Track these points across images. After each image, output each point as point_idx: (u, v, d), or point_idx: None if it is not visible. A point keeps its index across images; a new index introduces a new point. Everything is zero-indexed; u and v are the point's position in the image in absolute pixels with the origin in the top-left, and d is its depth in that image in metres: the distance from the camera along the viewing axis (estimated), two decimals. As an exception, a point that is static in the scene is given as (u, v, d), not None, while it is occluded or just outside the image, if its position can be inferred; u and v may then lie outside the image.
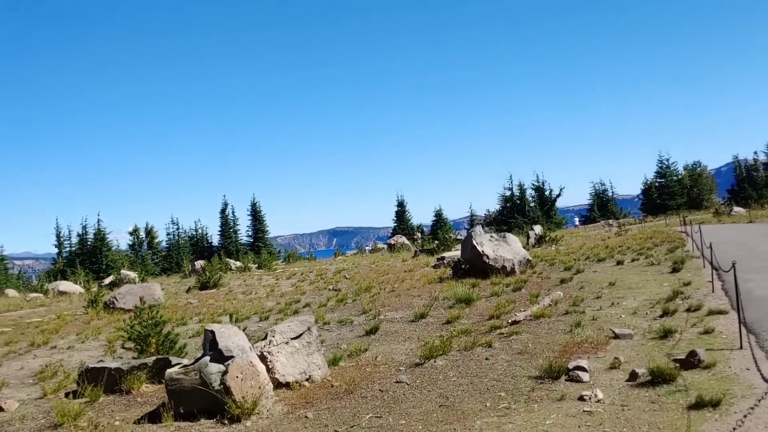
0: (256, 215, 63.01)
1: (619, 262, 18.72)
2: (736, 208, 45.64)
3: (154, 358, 9.30)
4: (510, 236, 19.38)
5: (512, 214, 63.96)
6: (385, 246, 46.08)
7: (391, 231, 64.12)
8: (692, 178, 64.82)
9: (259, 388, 7.03)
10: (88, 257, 57.18)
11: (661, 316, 10.00)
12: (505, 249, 18.48)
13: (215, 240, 63.45)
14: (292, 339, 8.22)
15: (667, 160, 66.15)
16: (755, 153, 65.71)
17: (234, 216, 62.77)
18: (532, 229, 30.58)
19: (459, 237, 49.86)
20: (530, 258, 19.00)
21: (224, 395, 6.82)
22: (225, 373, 6.95)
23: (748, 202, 53.29)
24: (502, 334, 9.70)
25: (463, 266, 18.67)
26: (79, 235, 58.77)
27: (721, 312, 9.74)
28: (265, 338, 8.26)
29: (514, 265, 18.10)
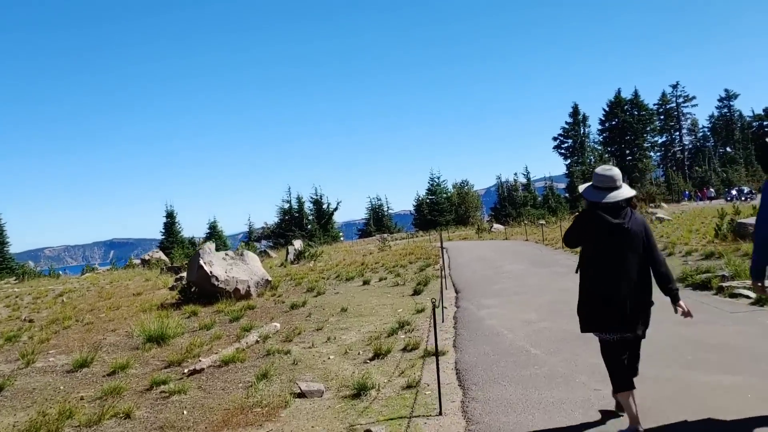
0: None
1: (366, 282, 17.28)
2: (496, 225, 47.89)
3: None
4: (249, 254, 17.05)
5: (290, 227, 62.17)
6: (139, 261, 41.63)
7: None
8: (460, 196, 67.96)
9: None
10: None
11: (372, 359, 8.21)
12: (241, 269, 16.10)
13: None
14: None
15: (438, 177, 68.81)
16: (515, 174, 70.94)
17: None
18: (291, 244, 28.64)
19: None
20: (269, 278, 16.81)
21: None
22: None
23: (507, 220, 56.57)
24: (165, 392, 7.23)
25: (192, 289, 15.97)
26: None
27: (442, 352, 8.18)
28: None
29: (249, 287, 15.79)
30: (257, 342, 9.88)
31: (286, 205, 63.24)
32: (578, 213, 4.91)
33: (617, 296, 4.34)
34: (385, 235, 62.55)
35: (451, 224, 62.58)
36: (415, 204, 71.08)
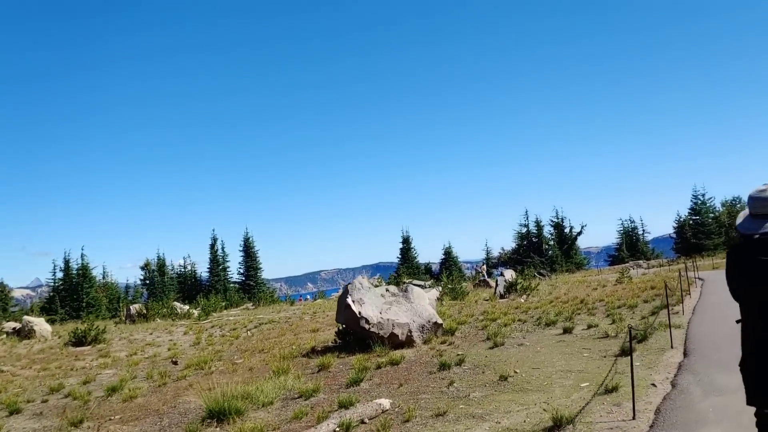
0: (248, 252, 58.32)
1: (567, 330, 13.07)
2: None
3: None
4: (415, 291, 13.88)
5: (528, 252, 57.87)
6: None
7: (390, 271, 58.42)
8: (731, 215, 57.68)
9: None
10: (69, 294, 53.38)
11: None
12: (402, 309, 13.01)
13: (206, 277, 58.93)
14: None
15: (703, 195, 59.36)
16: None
17: (224, 252, 58.19)
18: (501, 274, 24.89)
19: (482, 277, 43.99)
20: (438, 320, 13.42)
21: None
22: None
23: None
24: None
25: (348, 334, 13.26)
26: (61, 269, 54.94)
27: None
28: None
29: (411, 332, 12.61)
30: (335, 433, 6.63)
31: (524, 230, 58.90)
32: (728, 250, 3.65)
33: None
34: (641, 261, 55.42)
35: (720, 248, 53.11)
36: (675, 226, 62.21)
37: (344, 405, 7.62)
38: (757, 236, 3.37)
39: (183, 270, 59.70)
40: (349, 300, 12.53)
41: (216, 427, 7.40)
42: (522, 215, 59.84)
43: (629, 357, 9.53)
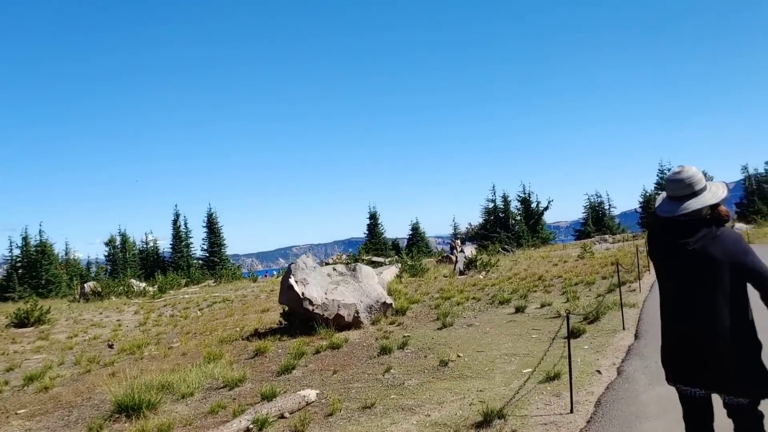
0: (212, 228, 57.09)
1: (520, 309, 12.63)
2: (738, 225, 39.05)
3: None
4: (364, 270, 13.28)
5: (495, 227, 57.55)
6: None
7: (357, 246, 57.63)
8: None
9: None
10: (28, 271, 51.92)
11: None
12: (348, 289, 12.42)
13: (170, 253, 57.66)
14: None
15: (668, 170, 59.37)
16: (767, 163, 58.90)
17: (186, 228, 56.94)
18: (461, 251, 24.43)
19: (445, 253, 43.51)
20: (389, 300, 12.88)
21: None
22: None
23: (756, 218, 46.61)
24: None
25: (294, 316, 12.65)
26: (18, 246, 53.29)
27: None
28: None
29: (358, 313, 12.05)
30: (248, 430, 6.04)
31: (491, 205, 58.59)
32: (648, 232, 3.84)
33: (686, 339, 3.33)
34: (606, 236, 55.54)
35: (684, 224, 53.30)
36: (641, 201, 62.43)
37: (267, 397, 7.03)
38: (664, 218, 3.42)
39: (145, 246, 58.41)
40: (292, 280, 11.90)
41: (125, 422, 6.76)
42: (489, 190, 59.39)
43: (576, 340, 9.15)
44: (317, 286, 12.06)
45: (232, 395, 7.63)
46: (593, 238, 52.30)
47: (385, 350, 9.42)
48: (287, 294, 12.01)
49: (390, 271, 22.20)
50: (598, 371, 7.35)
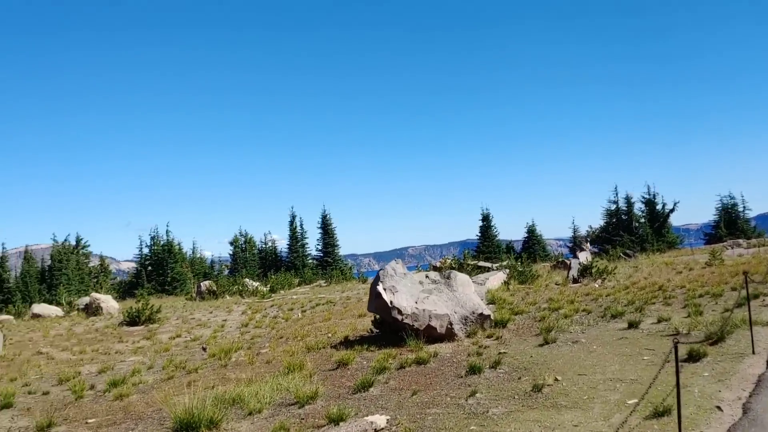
0: (325, 229, 57.98)
1: (633, 324, 11.37)
2: None
3: None
4: (459, 277, 12.47)
5: (617, 230, 54.51)
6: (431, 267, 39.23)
7: (474, 248, 56.30)
8: None
9: None
10: (155, 269, 55.03)
11: None
12: (442, 299, 11.68)
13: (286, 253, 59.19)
14: None
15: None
16: None
17: (302, 229, 58.21)
18: (575, 257, 22.92)
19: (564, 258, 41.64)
20: (486, 312, 11.99)
21: None
22: None
23: None
24: None
25: (384, 324, 12.08)
26: (147, 245, 56.62)
27: None
28: None
29: (451, 324, 11.27)
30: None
31: (613, 206, 55.58)
32: None
33: None
34: (740, 240, 51.24)
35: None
36: (782, 202, 57.13)
37: (334, 420, 6.46)
38: None
39: (264, 246, 60.32)
40: (380, 288, 11.32)
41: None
42: (611, 191, 56.37)
43: (695, 365, 7.92)
44: (407, 295, 11.41)
45: (301, 414, 7.12)
46: (725, 243, 48.29)
47: (473, 369, 8.61)
48: (375, 302, 11.45)
49: (496, 278, 21.16)
50: (719, 407, 6.22)
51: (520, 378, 8.16)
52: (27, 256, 52.69)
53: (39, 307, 28.86)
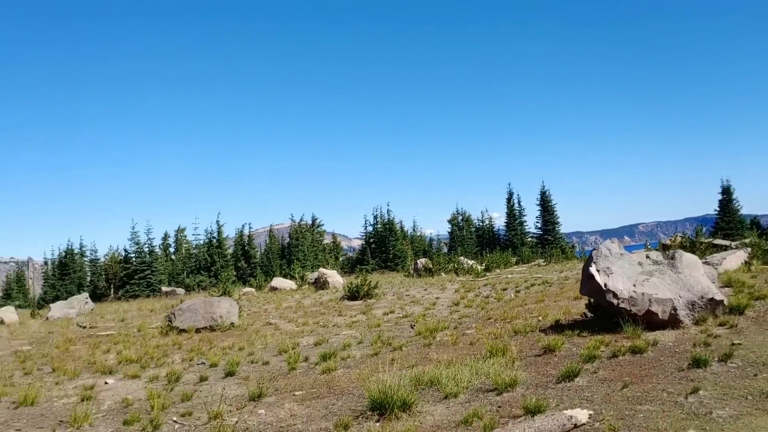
0: (545, 206, 56.24)
1: None
2: None
3: None
4: (685, 257, 11.07)
5: None
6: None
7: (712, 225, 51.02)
8: None
9: None
10: (378, 246, 57.89)
11: None
12: (662, 281, 10.49)
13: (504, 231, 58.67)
14: None
15: None
16: None
17: (520, 206, 57.15)
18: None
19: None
20: (718, 297, 10.56)
21: None
22: None
23: None
24: None
25: (599, 308, 11.23)
26: (371, 224, 59.80)
27: None
28: None
29: (676, 309, 10.10)
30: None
31: None
32: None
33: None
34: None
35: None
36: None
37: (531, 410, 6.01)
38: None
39: (481, 224, 60.37)
40: (593, 269, 10.47)
41: (376, 420, 6.37)
42: None
43: None
44: (623, 277, 10.43)
45: (498, 402, 6.75)
46: None
47: (698, 362, 7.56)
48: (588, 284, 10.62)
49: (735, 257, 18.79)
50: None
51: (755, 375, 7.00)
52: (271, 235, 58.85)
53: (276, 281, 31.65)
